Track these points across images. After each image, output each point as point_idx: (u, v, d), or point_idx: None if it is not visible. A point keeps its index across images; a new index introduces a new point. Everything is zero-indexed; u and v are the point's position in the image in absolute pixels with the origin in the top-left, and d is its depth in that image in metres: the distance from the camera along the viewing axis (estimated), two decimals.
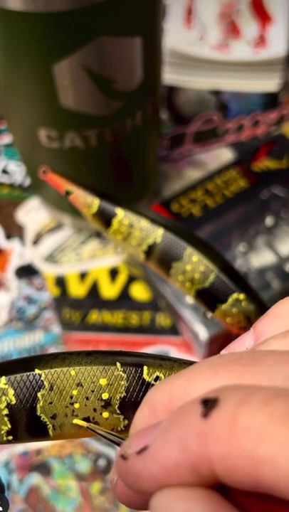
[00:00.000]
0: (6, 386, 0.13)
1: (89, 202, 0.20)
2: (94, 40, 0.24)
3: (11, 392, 0.13)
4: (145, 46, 0.27)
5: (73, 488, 0.30)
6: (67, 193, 0.20)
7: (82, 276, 0.38)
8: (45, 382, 0.13)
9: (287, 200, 0.37)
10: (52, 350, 0.35)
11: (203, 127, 0.45)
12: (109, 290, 0.37)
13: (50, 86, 0.26)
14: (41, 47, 0.24)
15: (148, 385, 0.13)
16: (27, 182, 0.43)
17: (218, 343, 0.33)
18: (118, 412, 0.13)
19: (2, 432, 0.13)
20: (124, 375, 0.13)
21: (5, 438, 0.13)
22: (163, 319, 0.36)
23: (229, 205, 0.36)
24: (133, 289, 0.37)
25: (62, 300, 0.37)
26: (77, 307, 0.36)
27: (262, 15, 0.47)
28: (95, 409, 0.13)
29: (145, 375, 0.13)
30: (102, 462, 0.31)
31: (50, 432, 0.13)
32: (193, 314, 0.32)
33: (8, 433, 0.13)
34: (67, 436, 0.13)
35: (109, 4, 0.23)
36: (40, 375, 0.13)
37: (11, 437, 0.13)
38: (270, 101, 0.46)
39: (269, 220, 0.36)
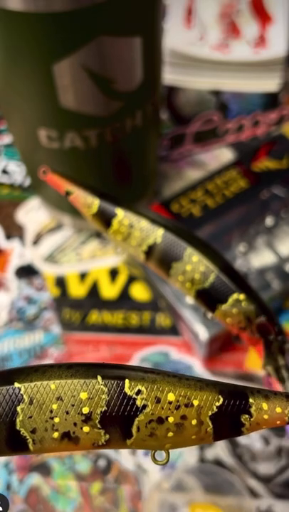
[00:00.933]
0: None
1: (89, 202, 0.20)
2: (94, 40, 0.24)
3: None
4: (145, 46, 0.27)
5: (73, 489, 0.30)
6: (67, 193, 0.20)
7: (82, 276, 0.38)
8: (24, 396, 0.13)
9: (287, 200, 0.37)
10: (52, 350, 0.35)
11: (203, 127, 0.45)
12: (110, 290, 0.37)
13: (50, 86, 0.26)
14: (41, 47, 0.24)
15: (129, 399, 0.13)
16: (27, 182, 0.43)
17: (218, 343, 0.33)
18: (99, 426, 0.13)
19: None
20: (106, 389, 0.13)
21: None
22: (163, 319, 0.36)
23: (229, 205, 0.36)
24: (133, 289, 0.37)
25: (63, 300, 0.37)
26: (77, 307, 0.36)
27: (262, 15, 0.47)
28: (75, 424, 0.13)
29: (126, 389, 0.13)
30: (102, 462, 0.31)
31: (31, 447, 0.13)
32: (193, 314, 0.32)
33: None
34: (48, 450, 0.13)
35: (109, 4, 0.23)
36: (19, 389, 0.13)
37: None
38: (270, 101, 0.46)
39: (269, 220, 0.36)
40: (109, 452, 0.31)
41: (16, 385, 0.13)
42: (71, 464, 0.31)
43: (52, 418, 0.13)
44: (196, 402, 0.13)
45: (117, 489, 0.30)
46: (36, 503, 0.30)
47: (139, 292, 0.37)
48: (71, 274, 0.38)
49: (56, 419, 0.13)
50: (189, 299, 0.32)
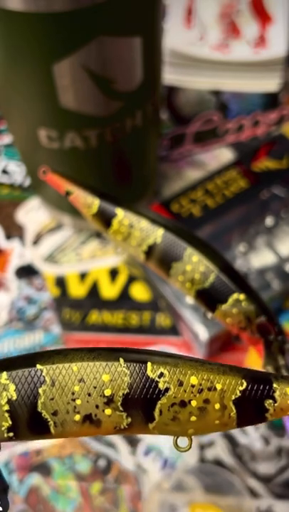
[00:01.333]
0: (7, 381, 0.13)
1: (89, 202, 0.20)
2: (94, 40, 0.24)
3: (12, 387, 0.13)
4: (145, 46, 0.27)
5: (73, 489, 0.30)
6: (67, 193, 0.20)
7: (82, 276, 0.38)
8: (46, 378, 0.13)
9: (287, 200, 0.37)
10: None
11: (203, 127, 0.45)
12: (109, 290, 0.37)
13: (50, 86, 0.26)
14: (41, 47, 0.24)
15: (152, 382, 0.13)
16: (27, 182, 0.43)
17: (218, 343, 0.33)
18: (121, 409, 0.13)
19: (3, 428, 0.13)
20: (128, 371, 0.13)
21: (6, 435, 0.13)
22: (163, 319, 0.36)
23: (229, 205, 0.36)
24: (133, 289, 0.37)
25: (62, 300, 0.37)
26: (77, 307, 0.36)
27: (262, 15, 0.47)
28: (97, 406, 0.13)
29: (149, 372, 0.13)
30: (102, 462, 0.31)
31: (52, 430, 0.13)
32: (193, 314, 0.32)
33: (9, 429, 0.13)
34: (69, 434, 0.13)
35: (109, 4, 0.23)
36: (41, 371, 0.13)
37: (11, 434, 0.13)
38: (270, 101, 0.46)
39: (269, 220, 0.36)
40: (109, 452, 0.31)
41: (38, 367, 0.13)
42: (71, 464, 0.31)
43: (74, 400, 0.13)
44: (219, 386, 0.13)
45: (117, 489, 0.30)
46: (36, 503, 0.30)
47: (139, 292, 0.37)
48: (71, 274, 0.38)
49: (78, 401, 0.13)
50: (189, 299, 0.32)
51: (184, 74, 0.46)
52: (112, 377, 0.13)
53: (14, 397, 0.13)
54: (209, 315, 0.31)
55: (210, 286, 0.19)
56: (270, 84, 0.46)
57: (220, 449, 0.31)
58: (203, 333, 0.31)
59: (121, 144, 0.31)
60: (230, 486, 0.28)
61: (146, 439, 0.31)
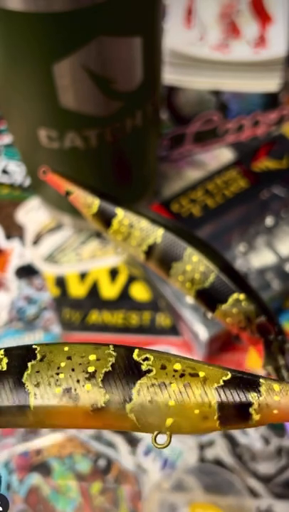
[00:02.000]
0: (2, 356, 0.14)
1: (89, 202, 0.20)
2: (94, 40, 0.24)
3: (5, 361, 0.14)
4: (145, 46, 0.27)
5: (73, 488, 0.30)
6: (67, 193, 0.20)
7: (82, 276, 0.38)
8: (38, 354, 0.14)
9: (287, 200, 0.37)
10: None
11: (203, 127, 0.45)
12: (109, 290, 0.37)
13: (50, 86, 0.26)
14: (41, 47, 0.24)
15: (136, 363, 0.13)
16: (27, 182, 0.43)
17: (218, 343, 0.33)
18: (100, 385, 0.13)
19: None
20: (114, 354, 0.13)
21: None
22: (163, 319, 0.36)
23: (229, 205, 0.36)
24: (133, 289, 0.37)
25: (62, 300, 0.37)
26: (77, 307, 0.36)
27: (262, 15, 0.47)
28: (78, 381, 0.13)
29: (135, 356, 0.13)
30: (102, 462, 0.31)
31: (31, 400, 0.13)
32: (193, 314, 0.32)
33: None
34: (47, 410, 0.13)
35: (109, 4, 0.23)
36: (35, 349, 0.14)
37: None
38: (270, 101, 0.46)
39: (269, 220, 0.36)
40: (109, 452, 0.31)
41: (34, 346, 0.14)
42: (71, 464, 0.31)
43: (57, 374, 0.13)
44: (202, 374, 0.13)
45: (117, 489, 0.30)
46: (36, 503, 0.30)
47: (139, 292, 0.37)
48: (71, 274, 0.38)
49: (61, 375, 0.13)
50: (189, 299, 0.32)
51: (184, 74, 0.46)
52: (98, 357, 0.13)
53: (4, 369, 0.13)
54: (209, 315, 0.31)
55: (210, 286, 0.19)
56: (270, 84, 0.46)
57: (220, 449, 0.31)
58: (203, 333, 0.31)
59: (121, 144, 0.31)
60: (230, 485, 0.28)
61: (147, 439, 0.31)
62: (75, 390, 0.13)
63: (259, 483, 0.30)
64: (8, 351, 0.14)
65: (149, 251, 0.20)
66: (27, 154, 0.34)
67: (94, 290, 0.37)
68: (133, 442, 0.31)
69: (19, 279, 0.38)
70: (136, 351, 0.13)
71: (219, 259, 0.19)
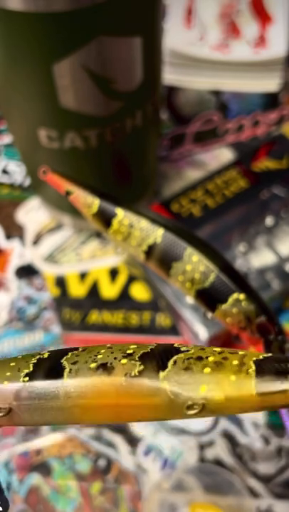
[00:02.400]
0: (48, 353, 0.14)
1: (89, 202, 0.20)
2: (94, 40, 0.24)
3: (47, 354, 0.14)
4: (145, 46, 0.27)
5: (73, 488, 0.30)
6: (68, 193, 0.20)
7: (82, 276, 0.38)
8: (80, 348, 0.14)
9: (287, 200, 0.37)
10: None
11: (203, 127, 0.45)
12: (109, 290, 0.37)
13: (50, 86, 0.26)
14: (41, 47, 0.24)
15: (174, 347, 0.13)
16: (27, 182, 0.43)
17: (218, 343, 0.33)
18: (137, 359, 0.13)
19: (22, 373, 0.14)
20: (155, 344, 0.14)
21: (21, 379, 0.14)
22: (163, 319, 0.36)
23: (229, 205, 0.36)
24: (133, 289, 0.37)
25: (63, 300, 0.37)
26: (77, 307, 0.36)
27: (262, 15, 0.47)
28: (115, 358, 0.14)
29: (175, 344, 0.14)
30: (102, 462, 0.31)
31: (65, 375, 0.13)
32: (193, 314, 0.32)
33: (27, 374, 0.14)
34: (78, 385, 0.13)
35: (109, 4, 0.23)
36: (77, 348, 0.14)
37: (27, 379, 0.14)
38: (270, 101, 0.46)
39: (269, 220, 0.36)
40: (109, 452, 0.31)
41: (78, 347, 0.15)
42: (71, 464, 0.31)
43: (96, 355, 0.14)
44: (241, 352, 0.13)
45: (117, 489, 0.30)
46: (36, 503, 0.30)
47: (139, 292, 0.37)
48: (71, 274, 0.38)
49: (99, 356, 0.14)
50: (189, 299, 0.32)
51: (183, 74, 0.46)
52: (138, 346, 0.14)
53: (45, 356, 0.14)
54: (209, 315, 0.31)
55: (210, 286, 0.19)
56: (270, 84, 0.46)
57: (220, 449, 0.31)
58: (203, 333, 0.31)
59: (121, 144, 0.31)
60: (230, 485, 0.28)
61: (147, 439, 0.31)
62: (111, 363, 0.13)
63: (259, 483, 0.30)
64: (52, 351, 0.14)
65: (149, 251, 0.20)
66: (27, 154, 0.34)
67: (94, 290, 0.37)
68: (133, 442, 0.31)
69: (19, 279, 0.38)
70: (176, 343, 0.14)
71: (219, 259, 0.19)
